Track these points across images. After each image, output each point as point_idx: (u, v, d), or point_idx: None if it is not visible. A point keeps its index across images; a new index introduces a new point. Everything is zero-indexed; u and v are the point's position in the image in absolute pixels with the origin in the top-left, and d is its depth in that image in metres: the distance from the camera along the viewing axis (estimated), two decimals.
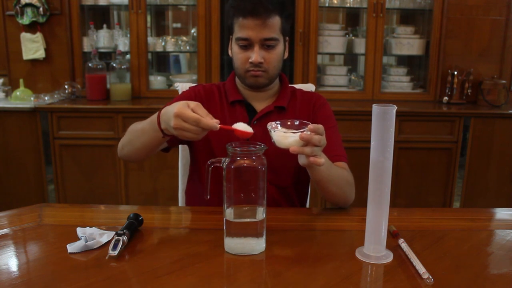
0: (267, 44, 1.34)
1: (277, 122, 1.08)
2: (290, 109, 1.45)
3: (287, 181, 1.43)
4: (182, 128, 1.07)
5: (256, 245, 1.02)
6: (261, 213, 1.02)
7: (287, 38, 1.43)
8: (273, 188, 1.40)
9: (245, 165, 1.00)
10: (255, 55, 1.33)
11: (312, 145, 1.05)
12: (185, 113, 1.05)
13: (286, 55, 1.44)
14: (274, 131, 1.07)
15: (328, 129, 1.22)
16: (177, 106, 1.07)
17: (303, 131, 1.04)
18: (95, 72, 3.00)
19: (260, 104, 1.45)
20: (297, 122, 1.09)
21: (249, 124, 1.38)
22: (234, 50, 1.38)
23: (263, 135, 1.35)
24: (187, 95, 1.46)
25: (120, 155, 1.41)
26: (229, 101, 1.44)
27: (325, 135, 1.09)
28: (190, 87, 1.52)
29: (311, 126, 1.04)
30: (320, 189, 1.26)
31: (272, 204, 1.39)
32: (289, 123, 1.09)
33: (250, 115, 1.43)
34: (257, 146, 1.01)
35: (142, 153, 1.33)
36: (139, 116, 2.80)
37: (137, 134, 1.30)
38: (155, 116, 1.20)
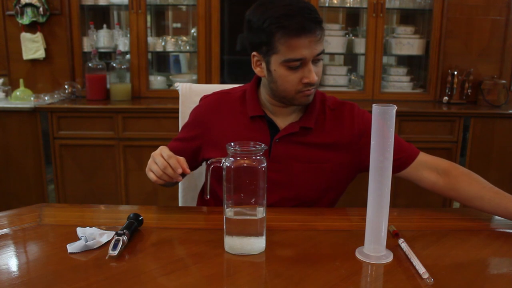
0: (317, 59, 1.22)
1: None
2: (317, 130, 1.31)
3: (312, 196, 1.34)
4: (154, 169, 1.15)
5: (256, 244, 1.02)
6: (261, 213, 1.02)
7: None
8: (292, 204, 1.33)
9: (245, 165, 1.00)
10: (312, 74, 1.20)
11: None
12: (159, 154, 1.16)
13: None
14: None
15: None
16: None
17: None
18: (95, 72, 3.00)
19: (283, 120, 1.32)
20: None
21: (270, 141, 1.31)
22: (281, 73, 1.21)
23: (285, 153, 1.29)
24: (197, 114, 1.38)
25: None
26: (248, 115, 1.32)
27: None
28: (203, 99, 1.41)
29: None
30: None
31: None
32: None
33: (271, 132, 1.31)
34: (257, 146, 1.01)
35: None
36: (139, 116, 2.84)
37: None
38: None
